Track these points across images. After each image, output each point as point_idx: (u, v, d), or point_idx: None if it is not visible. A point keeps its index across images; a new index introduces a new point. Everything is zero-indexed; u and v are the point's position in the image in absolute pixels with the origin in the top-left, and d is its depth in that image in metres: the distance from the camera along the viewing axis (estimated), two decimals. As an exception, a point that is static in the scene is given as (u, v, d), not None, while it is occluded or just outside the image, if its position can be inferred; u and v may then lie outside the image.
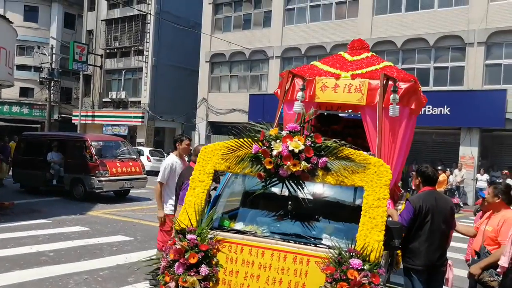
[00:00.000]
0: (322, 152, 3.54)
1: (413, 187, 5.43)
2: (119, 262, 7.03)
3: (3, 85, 14.35)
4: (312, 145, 3.52)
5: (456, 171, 17.76)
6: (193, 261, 3.40)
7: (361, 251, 3.24)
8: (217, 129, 25.59)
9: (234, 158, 3.75)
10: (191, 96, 27.22)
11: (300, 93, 5.69)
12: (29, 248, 7.58)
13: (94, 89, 32.37)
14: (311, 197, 4.04)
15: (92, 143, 13.67)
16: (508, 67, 17.61)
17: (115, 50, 31.22)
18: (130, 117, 29.87)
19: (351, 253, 3.24)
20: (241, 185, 4.70)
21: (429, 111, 17.65)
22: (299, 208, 3.97)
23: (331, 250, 3.32)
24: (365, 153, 3.65)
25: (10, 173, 15.67)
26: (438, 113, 18.05)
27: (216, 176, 4.03)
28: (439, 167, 15.54)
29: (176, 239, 3.57)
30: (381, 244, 3.29)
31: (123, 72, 31.12)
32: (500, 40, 17.71)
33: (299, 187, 3.59)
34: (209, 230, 3.63)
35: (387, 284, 3.60)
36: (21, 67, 31.43)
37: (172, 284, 3.42)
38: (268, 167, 3.53)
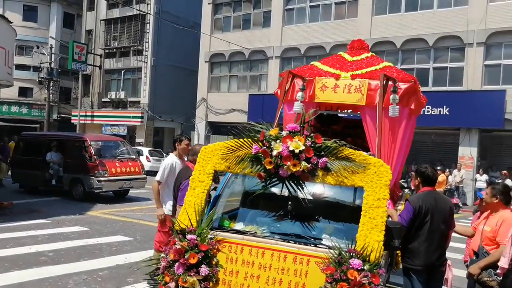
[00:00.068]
0: (322, 152, 3.54)
1: (412, 187, 5.44)
2: (118, 262, 7.02)
3: (2, 85, 14.33)
4: (312, 145, 3.52)
5: (455, 171, 17.77)
6: (193, 261, 3.40)
7: (361, 251, 3.25)
8: (216, 129, 25.60)
9: (234, 158, 3.75)
10: (190, 96, 27.22)
11: (300, 93, 5.69)
12: (29, 248, 7.57)
13: (93, 89, 32.35)
14: (311, 197, 4.04)
15: (92, 143, 13.67)
16: (507, 68, 17.63)
17: (115, 50, 31.22)
18: (129, 117, 29.87)
19: (351, 253, 3.24)
20: (241, 185, 4.70)
21: (428, 111, 17.66)
22: (299, 208, 3.97)
23: (331, 250, 3.32)
24: (365, 153, 3.66)
25: (9, 173, 15.65)
26: (437, 113, 18.07)
27: (216, 176, 4.03)
28: (438, 168, 15.56)
29: (176, 239, 3.57)
30: (381, 244, 3.30)
31: (122, 72, 31.11)
32: (499, 41, 17.73)
33: (299, 187, 3.59)
34: (209, 230, 3.63)
35: (386, 284, 3.60)
36: (20, 67, 31.40)
37: (172, 284, 3.42)
38: (268, 167, 3.53)
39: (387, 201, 3.44)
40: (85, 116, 31.54)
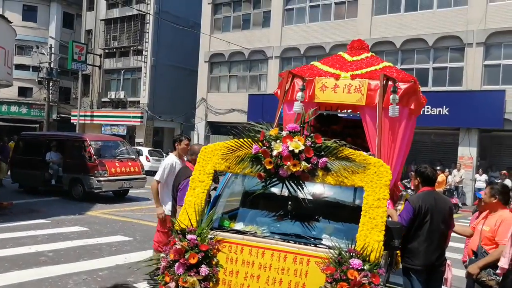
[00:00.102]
0: (322, 153, 3.55)
1: (412, 187, 5.44)
2: (118, 262, 7.02)
3: (2, 84, 14.33)
4: (312, 145, 3.53)
5: (455, 171, 17.78)
6: (193, 261, 3.40)
7: (361, 251, 3.25)
8: (216, 129, 25.60)
9: (234, 158, 3.75)
10: (190, 96, 27.22)
11: (299, 94, 5.69)
12: (28, 248, 7.57)
13: (93, 89, 32.34)
14: (311, 197, 4.04)
15: (91, 143, 13.67)
16: (507, 68, 17.64)
17: (114, 50, 31.21)
18: (129, 117, 29.86)
19: (351, 253, 3.25)
20: (241, 185, 4.70)
21: (428, 111, 17.66)
22: (299, 208, 3.97)
23: (331, 250, 3.32)
24: (365, 153, 3.66)
25: (9, 173, 15.64)
26: (437, 113, 18.07)
27: (215, 176, 4.03)
28: (438, 168, 15.55)
29: (176, 239, 3.57)
30: (381, 244, 3.30)
31: (122, 72, 31.11)
32: (499, 41, 17.73)
33: (299, 187, 3.59)
34: (209, 230, 3.63)
35: (386, 284, 3.61)
36: (19, 67, 31.37)
37: (172, 284, 3.42)
38: (268, 167, 3.53)
39: (387, 201, 3.44)
40: (85, 116, 31.53)
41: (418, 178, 4.49)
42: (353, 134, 7.03)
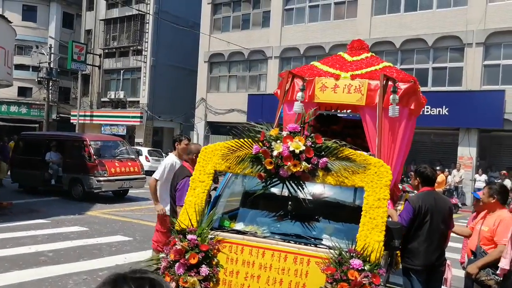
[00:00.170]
0: (323, 153, 3.55)
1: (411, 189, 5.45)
2: (118, 262, 7.02)
3: (2, 84, 14.31)
4: (312, 145, 3.53)
5: (454, 171, 17.78)
6: (193, 261, 3.41)
7: (362, 252, 3.25)
8: (215, 129, 25.59)
9: (235, 159, 3.75)
10: (189, 96, 27.21)
11: (300, 94, 5.68)
12: (28, 248, 7.57)
13: (93, 89, 32.32)
14: (311, 198, 4.04)
15: (91, 143, 13.67)
16: (507, 68, 17.64)
17: (114, 50, 31.20)
18: (128, 117, 29.85)
19: (352, 254, 3.25)
20: (241, 186, 4.70)
21: (427, 111, 17.66)
22: (300, 209, 3.97)
23: (332, 251, 3.33)
24: (365, 153, 3.67)
25: (9, 173, 15.64)
26: (437, 113, 18.07)
27: (215, 177, 4.04)
28: (438, 168, 15.56)
29: (176, 239, 3.58)
30: (382, 245, 3.30)
31: (121, 72, 31.10)
32: (498, 41, 17.74)
33: (300, 187, 3.59)
34: (209, 231, 3.64)
35: (386, 284, 3.61)
36: (19, 67, 31.32)
37: (173, 285, 3.43)
38: (268, 167, 3.53)
39: (387, 201, 3.44)
40: (84, 116, 31.52)
41: (418, 178, 4.49)
42: (353, 134, 7.03)
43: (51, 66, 30.97)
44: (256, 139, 3.65)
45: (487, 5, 17.82)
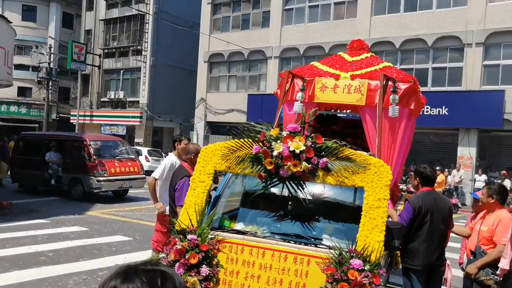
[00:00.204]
0: (323, 153, 3.55)
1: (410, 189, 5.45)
2: (118, 262, 7.01)
3: (2, 84, 14.32)
4: (312, 145, 3.53)
5: (454, 171, 17.78)
6: (193, 261, 3.41)
7: (362, 252, 3.25)
8: (215, 129, 25.59)
9: (235, 159, 3.75)
10: (189, 96, 27.21)
11: (299, 94, 5.69)
12: (28, 248, 7.57)
13: (92, 89, 32.32)
14: (311, 198, 4.04)
15: (91, 143, 13.67)
16: (506, 68, 17.65)
17: (114, 50, 31.19)
18: (128, 117, 29.85)
19: (352, 254, 3.25)
20: (241, 186, 4.70)
21: (427, 111, 17.66)
22: (300, 209, 3.97)
23: (332, 251, 3.33)
24: (365, 153, 3.67)
25: (9, 173, 15.64)
26: (437, 113, 18.08)
27: (215, 177, 4.04)
28: (437, 168, 15.56)
29: (176, 239, 3.58)
30: (382, 245, 3.30)
31: (121, 72, 31.09)
32: (498, 41, 17.75)
33: (300, 187, 3.59)
34: (209, 231, 3.64)
35: (386, 284, 3.62)
36: (19, 67, 31.31)
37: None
38: (268, 167, 3.53)
39: (387, 201, 3.44)
40: (84, 116, 31.52)
41: (417, 178, 4.50)
42: (353, 134, 7.03)
43: (51, 66, 30.97)
44: (256, 139, 3.65)
45: (487, 5, 17.83)
